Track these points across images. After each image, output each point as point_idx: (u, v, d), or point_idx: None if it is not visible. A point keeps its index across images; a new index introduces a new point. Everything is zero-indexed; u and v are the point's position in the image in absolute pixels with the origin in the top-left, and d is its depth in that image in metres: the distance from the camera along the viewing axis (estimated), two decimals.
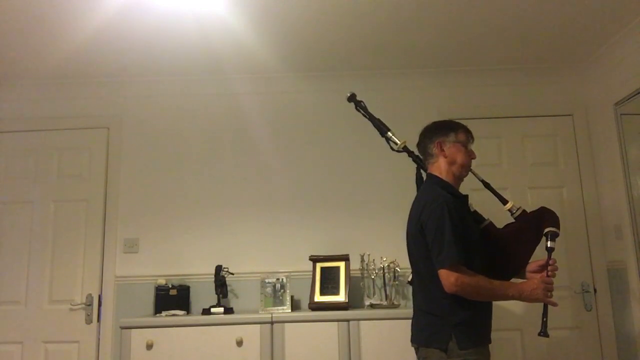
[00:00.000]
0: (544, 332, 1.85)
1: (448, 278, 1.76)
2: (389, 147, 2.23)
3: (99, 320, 3.19)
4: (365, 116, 2.29)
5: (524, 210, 2.00)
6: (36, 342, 3.15)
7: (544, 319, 1.87)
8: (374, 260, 3.18)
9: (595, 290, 3.17)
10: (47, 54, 3.00)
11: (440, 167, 1.98)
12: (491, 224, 1.99)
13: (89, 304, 3.20)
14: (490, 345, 1.90)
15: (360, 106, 2.31)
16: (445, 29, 2.86)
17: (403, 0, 2.55)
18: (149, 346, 2.71)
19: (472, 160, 2.02)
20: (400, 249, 3.14)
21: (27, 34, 2.76)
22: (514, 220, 2.00)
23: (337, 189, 3.33)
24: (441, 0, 2.56)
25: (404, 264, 3.13)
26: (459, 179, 2.00)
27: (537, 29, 2.88)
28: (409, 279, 2.03)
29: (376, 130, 3.41)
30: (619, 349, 3.08)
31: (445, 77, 3.41)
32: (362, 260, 3.17)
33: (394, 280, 3.13)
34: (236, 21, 2.70)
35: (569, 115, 3.38)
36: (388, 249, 3.20)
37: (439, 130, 2.01)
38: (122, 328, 2.75)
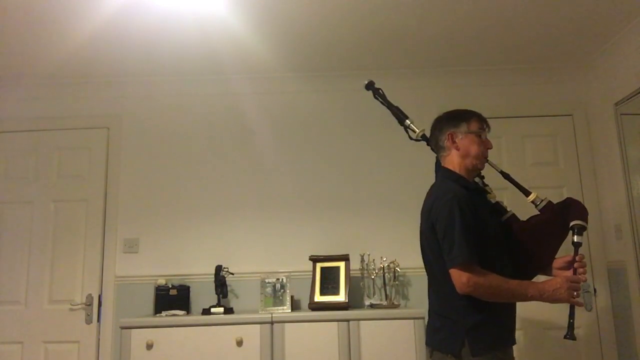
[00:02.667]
0: (570, 335, 1.70)
1: (460, 278, 1.65)
2: (407, 135, 2.14)
3: (99, 320, 3.19)
4: (383, 104, 2.21)
5: (549, 202, 1.85)
6: (36, 342, 3.15)
7: (571, 321, 1.71)
8: (374, 260, 3.18)
9: (595, 290, 3.17)
10: (47, 54, 3.00)
11: (453, 160, 1.87)
12: (513, 216, 1.86)
13: (89, 304, 3.19)
14: None
15: (378, 94, 2.23)
16: (445, 29, 2.86)
17: (403, 1, 2.55)
18: (149, 346, 2.71)
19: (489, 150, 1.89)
20: (400, 249, 3.18)
21: (27, 34, 2.76)
22: (538, 213, 1.86)
23: (337, 189, 3.33)
24: (441, 0, 2.56)
25: (404, 264, 3.14)
26: (474, 171, 1.88)
27: (537, 29, 2.88)
28: None
29: (376, 128, 3.42)
30: (619, 349, 3.08)
31: (445, 77, 3.41)
32: (362, 260, 3.17)
33: (394, 280, 3.13)
34: (236, 21, 2.70)
35: (569, 115, 3.38)
36: (388, 249, 3.20)
37: (450, 121, 1.89)
38: (122, 328, 2.75)
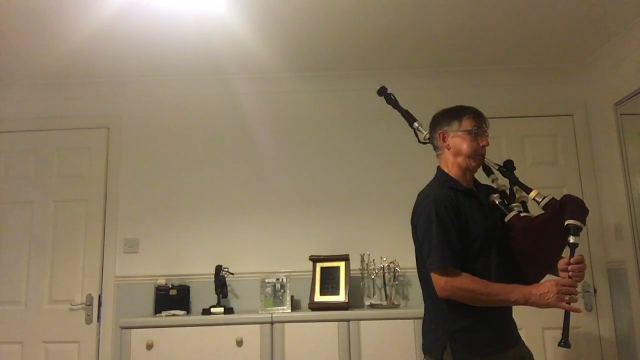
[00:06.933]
0: (564, 343, 1.61)
1: (438, 282, 1.64)
2: (416, 138, 2.12)
3: (99, 320, 3.19)
4: (395, 109, 2.20)
5: (552, 199, 1.74)
6: (36, 342, 3.15)
7: (565, 327, 1.63)
8: (374, 260, 3.18)
9: (595, 290, 3.17)
10: (47, 54, 3.00)
11: (446, 160, 1.84)
12: (516, 216, 1.76)
13: (89, 304, 3.19)
14: None
15: (389, 99, 2.22)
16: (445, 29, 2.86)
17: (403, 1, 2.55)
18: (149, 346, 2.71)
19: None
20: (400, 249, 3.18)
21: (27, 34, 2.76)
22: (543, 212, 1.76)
23: (337, 189, 3.33)
24: (441, 0, 2.56)
25: (404, 264, 3.14)
26: (468, 170, 1.81)
27: (537, 29, 2.88)
28: None
29: (376, 129, 3.43)
30: (619, 349, 3.08)
31: (444, 77, 3.41)
32: (362, 260, 3.17)
33: (394, 280, 3.13)
34: (236, 21, 2.70)
35: (569, 115, 3.38)
36: (388, 249, 3.20)
37: (442, 119, 1.85)
38: (122, 328, 2.75)
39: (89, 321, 3.18)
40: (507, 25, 2.83)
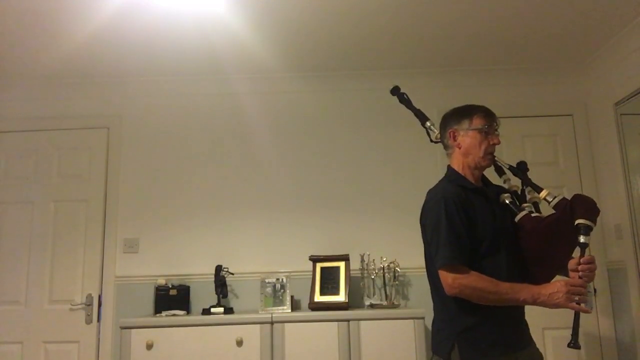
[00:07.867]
0: (574, 343, 1.60)
1: (445, 279, 1.63)
2: (428, 137, 2.14)
3: (99, 320, 3.19)
4: (408, 108, 2.22)
5: (563, 198, 1.71)
6: (36, 342, 3.15)
7: (575, 328, 1.62)
8: (374, 260, 3.18)
9: (595, 290, 3.17)
10: (47, 54, 3.00)
11: (457, 159, 1.83)
12: (527, 216, 1.75)
13: (89, 304, 3.19)
14: None
15: (402, 98, 2.24)
16: (445, 29, 2.86)
17: (403, 1, 2.55)
18: (149, 346, 2.71)
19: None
20: (400, 249, 3.18)
21: (27, 34, 2.76)
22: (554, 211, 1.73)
23: (337, 189, 3.33)
24: (441, 0, 2.56)
25: (404, 264, 3.14)
26: (478, 169, 1.82)
27: (537, 29, 2.88)
28: None
29: (376, 128, 3.43)
30: (619, 349, 3.08)
31: (445, 77, 3.41)
32: (362, 260, 3.17)
33: (394, 280, 3.13)
34: (236, 21, 2.70)
35: (569, 115, 3.38)
36: (388, 249, 3.20)
37: (453, 118, 1.85)
38: (122, 328, 2.75)
39: (89, 321, 3.18)
40: (507, 25, 2.83)
